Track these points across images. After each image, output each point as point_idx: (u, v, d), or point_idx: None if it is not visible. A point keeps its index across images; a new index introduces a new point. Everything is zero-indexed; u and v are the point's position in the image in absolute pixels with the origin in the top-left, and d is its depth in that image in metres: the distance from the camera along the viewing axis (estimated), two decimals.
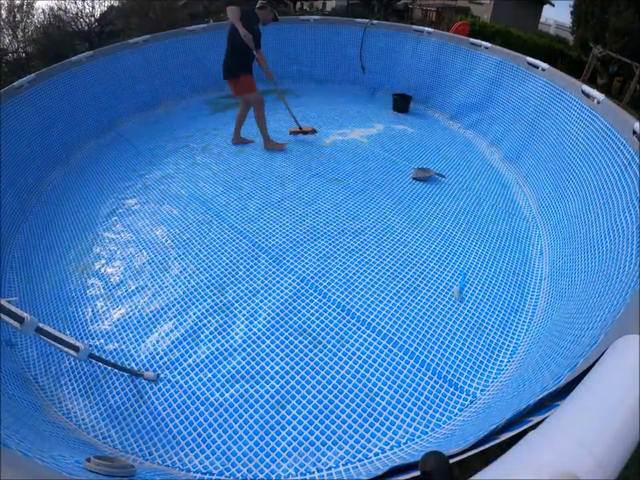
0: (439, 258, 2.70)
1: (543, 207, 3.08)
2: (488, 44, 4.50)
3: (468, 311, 2.32)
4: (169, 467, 1.66)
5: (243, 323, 2.27)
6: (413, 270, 2.60)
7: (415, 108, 5.31)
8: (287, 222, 3.04)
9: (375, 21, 5.72)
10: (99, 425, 1.84)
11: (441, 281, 2.52)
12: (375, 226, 3.00)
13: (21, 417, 1.54)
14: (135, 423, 1.83)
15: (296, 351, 2.10)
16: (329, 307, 2.35)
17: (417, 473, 0.88)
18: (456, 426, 1.72)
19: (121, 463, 1.32)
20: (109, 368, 2.03)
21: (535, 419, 0.97)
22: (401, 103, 5.22)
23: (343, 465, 1.63)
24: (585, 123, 2.84)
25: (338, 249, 2.77)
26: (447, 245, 2.83)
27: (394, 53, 5.58)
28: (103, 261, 2.84)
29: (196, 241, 2.91)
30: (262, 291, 2.46)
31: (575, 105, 3.05)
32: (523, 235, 2.98)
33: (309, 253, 2.74)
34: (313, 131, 4.32)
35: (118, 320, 2.37)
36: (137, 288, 2.58)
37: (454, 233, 2.95)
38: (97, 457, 1.25)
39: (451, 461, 0.91)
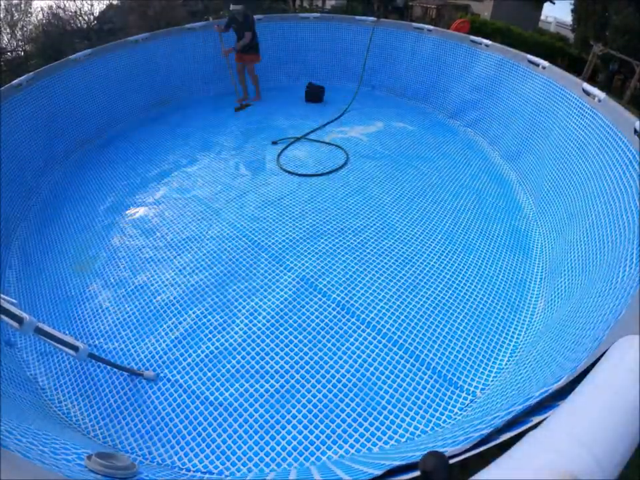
0: (439, 256, 2.70)
1: (544, 206, 3.08)
2: (488, 42, 4.48)
3: (468, 309, 2.32)
4: (169, 467, 1.66)
5: (242, 321, 2.27)
6: (413, 268, 2.59)
7: (416, 106, 5.30)
8: (287, 220, 3.04)
9: (374, 18, 5.70)
10: (98, 425, 1.84)
11: (441, 279, 2.52)
12: (374, 224, 2.99)
13: (20, 416, 1.54)
14: (135, 422, 1.83)
15: (296, 349, 2.10)
16: (329, 305, 2.34)
17: (416, 473, 0.87)
18: (456, 425, 1.72)
19: (123, 462, 1.31)
20: (109, 367, 2.03)
21: (535, 419, 0.97)
22: (313, 93, 5.28)
23: None
24: (586, 121, 2.83)
25: (338, 247, 2.76)
26: (447, 243, 2.82)
27: (394, 50, 5.56)
28: (102, 260, 2.83)
29: (196, 240, 2.90)
30: (262, 290, 2.46)
31: (576, 103, 3.04)
32: (523, 234, 2.97)
33: (309, 251, 2.74)
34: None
35: (118, 319, 2.37)
36: (136, 287, 2.57)
37: (454, 231, 2.94)
38: (97, 455, 1.24)
39: (451, 461, 0.91)
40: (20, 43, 11.77)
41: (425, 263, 2.64)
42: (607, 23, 12.51)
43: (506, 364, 2.03)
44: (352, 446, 1.69)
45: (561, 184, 2.91)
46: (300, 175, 3.62)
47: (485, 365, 2.02)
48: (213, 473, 1.63)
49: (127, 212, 3.32)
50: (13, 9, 11.37)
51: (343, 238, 2.85)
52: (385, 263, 2.63)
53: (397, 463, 0.97)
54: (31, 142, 3.82)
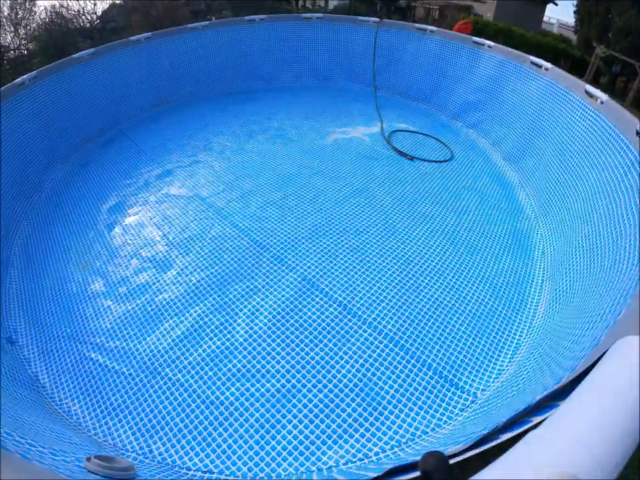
0: (440, 257, 2.70)
1: (545, 207, 3.07)
2: (491, 43, 4.48)
3: (469, 310, 2.32)
4: (169, 466, 1.66)
5: (244, 321, 2.27)
6: (415, 269, 2.59)
7: (418, 107, 5.30)
8: (289, 220, 3.04)
9: (376, 19, 5.70)
10: (99, 423, 1.85)
11: (443, 279, 2.52)
12: (376, 224, 2.99)
13: (20, 416, 1.55)
14: (136, 421, 1.83)
15: (297, 349, 2.10)
16: (330, 305, 2.35)
17: (417, 473, 0.88)
18: (456, 426, 1.72)
19: (121, 464, 1.31)
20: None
21: (535, 419, 0.97)
22: None
23: (343, 464, 1.63)
24: (588, 123, 2.83)
25: (339, 248, 2.76)
26: (449, 244, 2.82)
27: (396, 51, 5.56)
28: (105, 259, 2.84)
29: (197, 239, 2.91)
30: (263, 289, 2.46)
31: (578, 105, 3.04)
32: (525, 235, 2.97)
33: (311, 251, 2.74)
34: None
35: (119, 317, 2.37)
36: (138, 286, 2.58)
37: (456, 232, 2.94)
38: (96, 457, 1.25)
39: (451, 461, 0.91)
40: (23, 42, 11.79)
41: (426, 264, 2.64)
42: (609, 25, 12.48)
43: (507, 365, 2.03)
44: (352, 446, 1.69)
45: (562, 185, 2.91)
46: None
47: (486, 366, 2.02)
48: (213, 473, 1.64)
49: (129, 211, 3.32)
50: (18, 7, 11.40)
51: (345, 238, 2.85)
52: (387, 264, 2.63)
53: (397, 463, 0.97)
54: (33, 140, 3.83)
